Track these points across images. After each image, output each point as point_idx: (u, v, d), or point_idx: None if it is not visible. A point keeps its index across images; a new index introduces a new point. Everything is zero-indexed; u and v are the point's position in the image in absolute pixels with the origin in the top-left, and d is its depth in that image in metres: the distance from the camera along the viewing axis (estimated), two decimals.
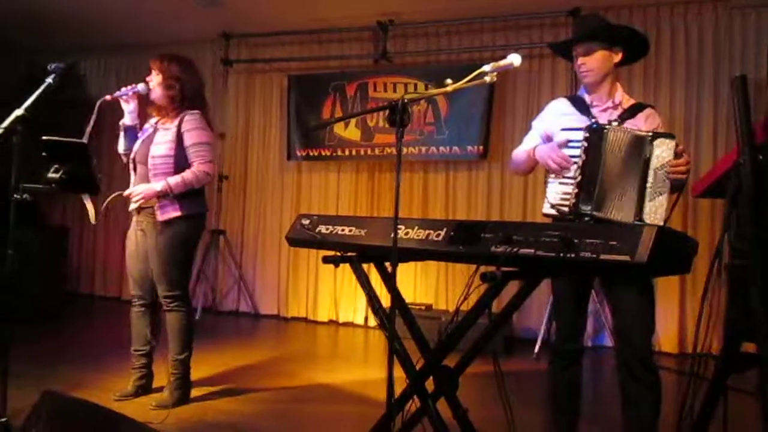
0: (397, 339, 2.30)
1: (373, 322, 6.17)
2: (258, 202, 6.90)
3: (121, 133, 3.59)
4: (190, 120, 3.44)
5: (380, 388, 2.11)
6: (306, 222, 2.66)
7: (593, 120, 2.61)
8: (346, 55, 6.57)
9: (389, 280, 2.20)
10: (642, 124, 2.61)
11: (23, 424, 2.24)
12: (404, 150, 5.90)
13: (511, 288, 2.19)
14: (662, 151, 2.42)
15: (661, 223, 2.39)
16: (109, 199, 3.44)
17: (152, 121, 3.57)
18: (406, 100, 2.07)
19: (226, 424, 3.27)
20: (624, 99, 2.71)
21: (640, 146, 2.44)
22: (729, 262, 1.91)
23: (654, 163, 2.42)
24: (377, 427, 2.50)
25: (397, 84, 6.17)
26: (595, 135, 2.51)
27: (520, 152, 2.86)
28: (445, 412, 2.35)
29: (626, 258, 1.72)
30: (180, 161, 3.42)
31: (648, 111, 2.68)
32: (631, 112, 2.64)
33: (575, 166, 2.54)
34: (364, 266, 2.63)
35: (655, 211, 2.42)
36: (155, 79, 3.49)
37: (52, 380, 3.71)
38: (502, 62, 2.15)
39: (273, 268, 6.74)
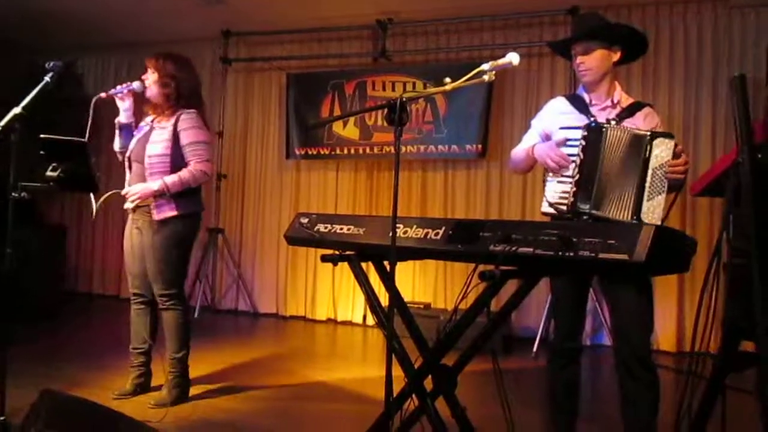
0: (396, 338, 2.30)
1: (371, 320, 6.17)
2: (256, 201, 6.90)
3: (117, 131, 3.59)
4: (187, 119, 3.44)
5: (379, 386, 2.11)
6: (304, 221, 2.65)
7: (592, 119, 2.62)
8: (345, 53, 6.57)
9: (388, 278, 2.19)
10: (641, 123, 2.61)
11: (22, 422, 2.24)
12: (403, 149, 5.90)
13: (510, 287, 2.19)
14: (661, 151, 2.42)
15: (659, 222, 2.39)
16: (105, 196, 3.44)
17: (148, 119, 3.57)
18: (404, 99, 2.07)
19: (225, 422, 3.27)
20: (623, 98, 2.71)
21: (638, 145, 2.44)
22: (728, 260, 1.91)
23: (653, 162, 2.42)
24: (376, 425, 2.50)
25: (395, 83, 6.17)
26: (594, 134, 2.51)
27: (519, 151, 2.86)
28: (444, 410, 2.35)
29: (624, 257, 1.72)
30: (176, 160, 3.41)
31: (647, 110, 2.68)
32: (629, 111, 2.64)
33: (573, 165, 2.54)
34: (363, 265, 2.63)
35: (653, 210, 2.42)
36: (151, 78, 3.49)
37: (51, 379, 3.71)
38: (501, 61, 2.15)
39: (272, 266, 6.74)
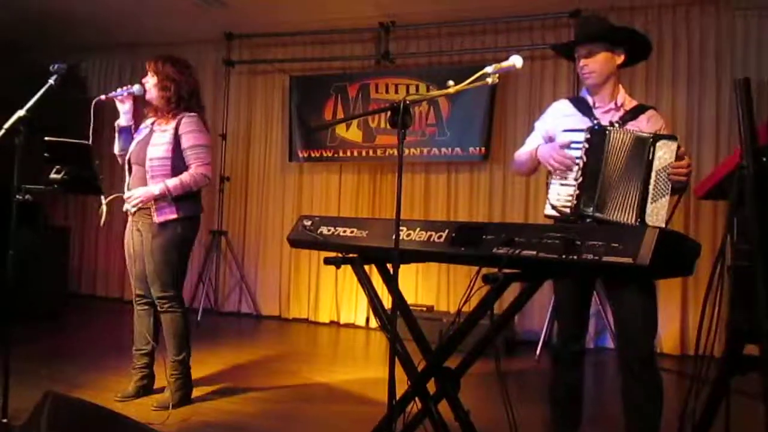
0: (399, 340, 2.30)
1: (374, 323, 6.16)
2: (259, 203, 6.90)
3: (117, 134, 3.60)
4: (188, 122, 3.45)
5: (381, 389, 2.10)
6: (307, 223, 2.66)
7: (595, 121, 2.61)
8: (347, 56, 6.57)
9: (391, 281, 2.19)
10: (644, 125, 2.60)
11: (25, 424, 2.24)
12: (406, 151, 5.90)
13: (513, 289, 2.19)
14: (664, 153, 2.42)
15: (663, 225, 2.39)
16: (107, 200, 3.45)
17: (148, 121, 3.58)
18: (407, 102, 2.07)
19: (228, 424, 3.27)
20: (626, 100, 2.71)
21: (641, 148, 2.44)
22: (732, 263, 1.91)
23: (656, 164, 2.41)
24: (378, 428, 2.50)
25: (398, 85, 6.17)
26: (597, 136, 2.51)
27: (522, 153, 2.86)
28: (447, 413, 2.35)
29: (629, 260, 1.72)
30: (177, 163, 3.43)
31: (650, 112, 2.67)
32: (633, 114, 2.64)
33: (577, 168, 2.54)
34: (366, 267, 2.63)
35: (657, 212, 2.42)
36: (150, 81, 3.51)
37: (54, 381, 3.71)
38: (504, 64, 2.15)
39: (274, 269, 6.74)
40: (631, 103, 2.71)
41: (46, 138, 3.03)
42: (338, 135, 6.38)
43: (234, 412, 3.47)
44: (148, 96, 3.52)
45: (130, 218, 3.53)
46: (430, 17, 6.01)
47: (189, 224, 3.49)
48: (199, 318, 6.19)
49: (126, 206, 3.46)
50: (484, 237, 2.06)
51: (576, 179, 2.53)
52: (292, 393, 3.91)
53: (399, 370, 2.12)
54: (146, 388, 3.57)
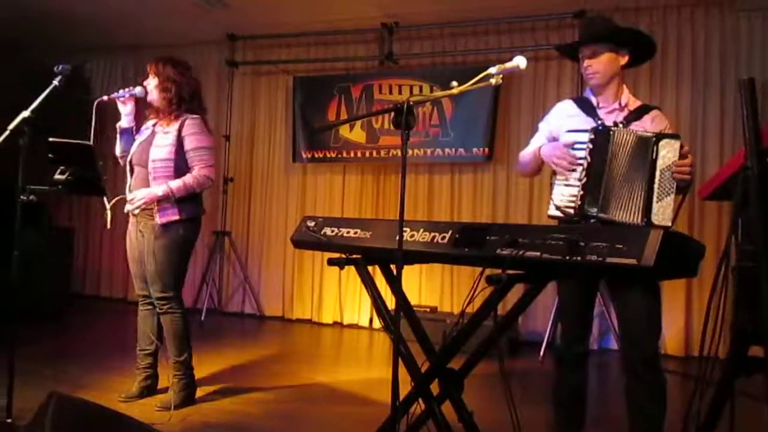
0: (402, 341, 2.30)
1: (377, 324, 6.14)
2: (263, 204, 6.91)
3: (118, 136, 3.61)
4: (192, 124, 3.45)
5: (385, 390, 2.10)
6: (311, 224, 2.66)
7: (599, 122, 2.61)
8: (351, 57, 6.57)
9: (394, 282, 2.19)
10: (648, 125, 2.60)
11: (29, 424, 2.25)
12: (409, 152, 5.89)
13: (517, 290, 2.18)
14: (667, 152, 2.42)
15: (670, 223, 2.39)
16: (111, 203, 3.46)
17: (149, 123, 3.59)
18: (411, 102, 2.06)
19: (231, 424, 3.27)
20: (630, 101, 2.71)
21: (645, 147, 2.43)
22: (736, 265, 1.90)
23: (660, 163, 2.41)
24: (382, 429, 2.50)
25: (402, 86, 6.17)
26: (601, 137, 2.51)
27: (526, 153, 2.86)
28: (451, 414, 2.35)
29: (633, 261, 1.71)
30: (180, 165, 3.43)
31: (654, 113, 2.67)
32: (637, 114, 2.64)
33: (581, 168, 2.54)
34: (369, 268, 2.63)
35: (663, 211, 2.41)
36: (152, 82, 3.52)
37: (58, 381, 3.72)
38: (508, 64, 2.15)
39: (278, 269, 6.75)
40: (635, 104, 2.70)
41: (50, 139, 3.04)
42: (342, 136, 6.39)
43: (237, 412, 3.47)
44: (149, 98, 3.53)
45: (131, 219, 3.54)
46: (433, 18, 6.01)
47: (191, 226, 3.50)
48: (202, 318, 6.20)
49: (128, 207, 3.47)
50: (487, 238, 2.06)
51: (580, 180, 2.53)
52: (294, 393, 3.91)
53: (402, 371, 2.12)
54: (150, 389, 3.58)
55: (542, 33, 5.86)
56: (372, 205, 6.40)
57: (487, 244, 2.04)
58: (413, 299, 5.82)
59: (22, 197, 2.82)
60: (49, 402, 2.10)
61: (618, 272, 1.82)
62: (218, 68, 7.02)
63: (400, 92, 6.14)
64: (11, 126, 2.75)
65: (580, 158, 2.54)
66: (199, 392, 3.63)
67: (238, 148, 6.94)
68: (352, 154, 6.36)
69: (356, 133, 6.33)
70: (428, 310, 5.70)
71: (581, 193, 2.51)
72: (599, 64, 2.63)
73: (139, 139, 3.55)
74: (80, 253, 7.44)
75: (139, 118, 3.65)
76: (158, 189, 3.35)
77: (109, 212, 3.38)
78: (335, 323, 6.44)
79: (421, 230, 2.28)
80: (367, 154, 6.30)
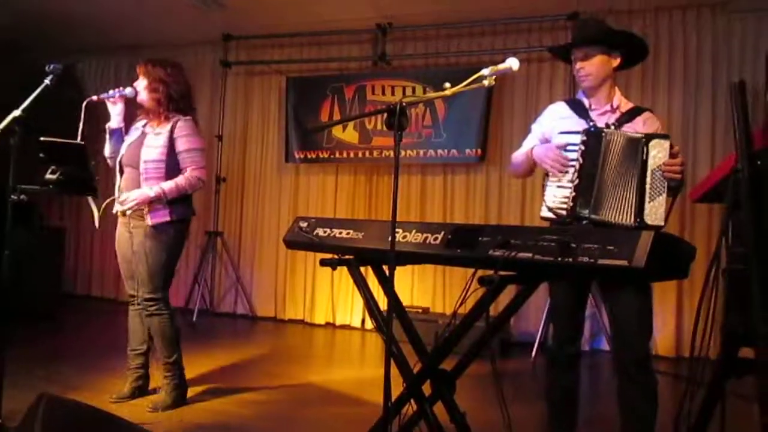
0: (394, 342, 2.29)
1: (370, 324, 6.15)
2: (256, 204, 6.89)
3: (107, 136, 3.59)
4: (183, 126, 3.45)
5: (377, 390, 2.10)
6: (303, 224, 2.65)
7: (591, 124, 2.62)
8: (344, 57, 6.57)
9: (387, 283, 2.19)
10: (640, 127, 2.61)
11: (19, 426, 2.23)
12: (402, 153, 5.89)
13: (509, 291, 2.19)
14: (658, 152, 2.43)
15: (663, 223, 2.41)
16: (104, 204, 3.45)
17: (139, 124, 3.58)
18: (404, 103, 2.07)
19: (223, 425, 3.26)
20: (622, 103, 2.72)
21: (635, 148, 2.45)
22: (727, 266, 1.91)
23: (651, 163, 2.43)
24: (374, 430, 2.50)
25: (395, 87, 6.17)
26: (593, 139, 2.52)
27: (519, 154, 2.87)
28: (443, 415, 2.35)
29: (624, 263, 1.72)
30: (171, 166, 3.43)
31: (646, 114, 2.68)
32: (629, 116, 2.65)
33: (573, 170, 2.55)
34: (362, 269, 2.63)
35: (656, 211, 2.43)
36: (141, 83, 3.52)
37: (49, 382, 3.71)
38: (501, 66, 2.16)
39: (270, 270, 6.74)
40: (627, 106, 2.72)
41: (42, 138, 3.02)
42: (335, 136, 6.38)
43: (229, 413, 3.46)
44: (139, 98, 3.53)
45: (120, 219, 3.52)
46: (427, 19, 6.01)
47: (180, 227, 3.49)
48: (194, 318, 6.18)
49: (117, 208, 3.46)
50: (479, 239, 2.06)
51: (572, 181, 2.54)
52: (287, 394, 3.90)
53: (395, 372, 2.12)
54: (141, 389, 3.57)
55: (535, 35, 5.87)
56: (364, 206, 6.39)
57: (480, 245, 2.05)
58: (405, 300, 5.82)
59: (12, 197, 2.81)
60: (39, 403, 2.09)
61: (609, 273, 1.82)
62: (212, 68, 7.01)
63: (393, 93, 6.14)
64: (2, 125, 2.74)
65: (573, 160, 2.56)
66: (191, 393, 3.61)
67: (230, 148, 6.93)
68: (344, 155, 6.36)
69: (349, 134, 6.33)
70: (420, 310, 5.70)
71: (573, 194, 2.53)
72: (592, 67, 2.64)
73: (129, 139, 3.53)
74: (71, 253, 7.41)
75: (129, 119, 3.64)
76: (151, 190, 3.34)
77: (95, 211, 3.36)
78: (327, 324, 6.44)
79: (414, 231, 2.28)
80: (360, 155, 6.30)
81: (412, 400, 2.41)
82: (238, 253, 6.90)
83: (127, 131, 3.60)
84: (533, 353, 5.11)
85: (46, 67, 2.93)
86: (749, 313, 1.79)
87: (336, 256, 2.61)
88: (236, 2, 5.86)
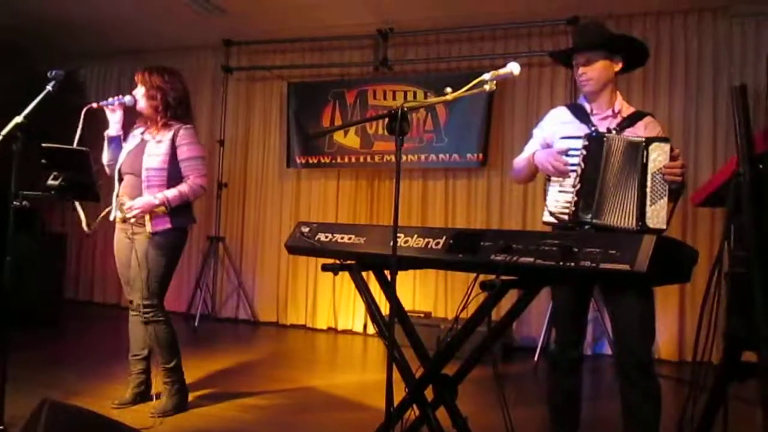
0: (396, 347, 2.29)
1: (371, 329, 6.15)
2: (257, 210, 6.90)
3: (106, 144, 3.60)
4: (185, 134, 3.47)
5: (379, 395, 2.10)
6: (305, 230, 2.66)
7: (593, 128, 2.62)
8: (346, 62, 6.59)
9: (388, 288, 2.19)
10: (641, 132, 2.61)
11: (21, 431, 2.23)
12: (403, 158, 5.90)
13: (511, 296, 2.19)
14: (658, 155, 2.43)
15: (665, 226, 2.40)
16: (104, 212, 3.46)
17: (137, 131, 3.58)
18: (405, 108, 2.07)
19: (225, 430, 3.26)
20: (624, 107, 2.72)
21: (635, 152, 2.45)
22: (729, 270, 1.91)
23: (651, 167, 2.43)
24: None
25: (396, 92, 6.18)
26: (595, 143, 2.52)
27: (520, 159, 2.87)
28: (445, 420, 2.35)
29: (626, 267, 1.72)
30: (172, 174, 3.44)
31: (648, 119, 2.68)
32: (630, 121, 2.65)
33: (575, 174, 2.55)
34: (363, 274, 2.63)
35: (658, 214, 2.42)
36: (139, 91, 3.53)
37: (50, 387, 3.70)
38: (502, 71, 2.16)
39: (272, 275, 6.73)
40: (628, 110, 2.72)
41: (44, 144, 3.03)
42: (336, 141, 6.39)
43: (230, 418, 3.46)
44: (138, 106, 3.54)
45: (119, 225, 3.53)
46: (428, 24, 6.02)
47: (181, 234, 3.51)
48: (196, 324, 6.18)
49: (115, 214, 3.46)
50: (481, 244, 2.06)
51: (574, 186, 2.54)
52: (289, 399, 3.90)
53: (397, 377, 2.11)
54: (143, 395, 3.56)
55: (536, 39, 5.88)
56: (366, 211, 6.39)
57: (481, 250, 2.05)
58: (407, 305, 5.81)
59: (15, 203, 2.81)
60: (41, 408, 2.09)
61: (611, 278, 1.83)
62: (213, 73, 7.02)
63: (394, 98, 6.15)
64: (4, 131, 2.74)
65: (574, 164, 2.56)
66: (192, 398, 3.61)
67: (232, 154, 6.93)
68: (346, 160, 6.36)
69: (350, 139, 6.34)
70: (422, 315, 5.69)
71: (575, 199, 2.53)
72: (593, 72, 2.64)
73: (128, 147, 3.54)
74: (73, 258, 7.41)
75: (127, 126, 3.65)
76: (155, 198, 3.34)
77: (83, 216, 3.35)
78: (329, 329, 6.43)
79: (415, 236, 2.28)
80: (362, 160, 6.31)
81: (414, 405, 2.41)
82: (240, 259, 6.90)
83: (125, 139, 3.61)
84: (536, 358, 5.10)
85: (48, 73, 2.94)
86: (751, 316, 1.79)
87: (338, 261, 2.62)
88: (237, 8, 5.88)
